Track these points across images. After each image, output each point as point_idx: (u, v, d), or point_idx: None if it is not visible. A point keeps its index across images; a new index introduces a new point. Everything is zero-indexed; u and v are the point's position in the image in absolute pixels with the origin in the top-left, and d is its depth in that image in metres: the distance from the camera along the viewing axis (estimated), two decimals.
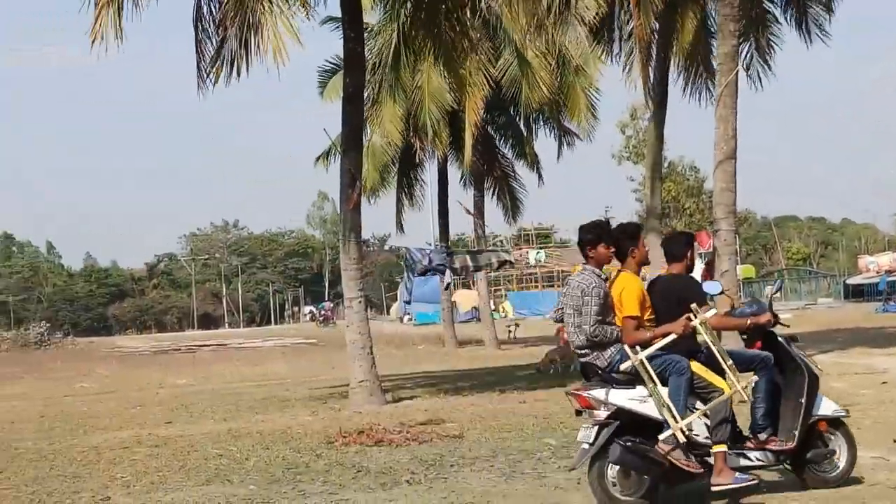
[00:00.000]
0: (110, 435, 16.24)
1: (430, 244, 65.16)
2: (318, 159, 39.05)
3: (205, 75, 17.76)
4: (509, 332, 44.59)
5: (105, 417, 19.40)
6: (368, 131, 32.02)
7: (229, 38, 16.44)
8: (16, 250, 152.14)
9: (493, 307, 50.16)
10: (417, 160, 38.24)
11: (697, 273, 20.48)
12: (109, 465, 12.80)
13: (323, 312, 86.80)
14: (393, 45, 21.66)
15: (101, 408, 21.69)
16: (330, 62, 36.50)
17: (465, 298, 68.90)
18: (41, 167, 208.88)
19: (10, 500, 10.87)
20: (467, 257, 24.96)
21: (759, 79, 25.64)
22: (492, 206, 38.76)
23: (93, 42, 16.17)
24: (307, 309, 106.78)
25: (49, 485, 11.63)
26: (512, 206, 38.31)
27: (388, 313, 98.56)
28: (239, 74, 16.59)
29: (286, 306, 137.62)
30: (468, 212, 38.53)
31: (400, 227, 39.87)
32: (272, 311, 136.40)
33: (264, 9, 15.53)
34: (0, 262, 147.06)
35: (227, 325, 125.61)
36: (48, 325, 68.99)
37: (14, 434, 17.26)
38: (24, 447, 15.23)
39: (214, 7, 17.91)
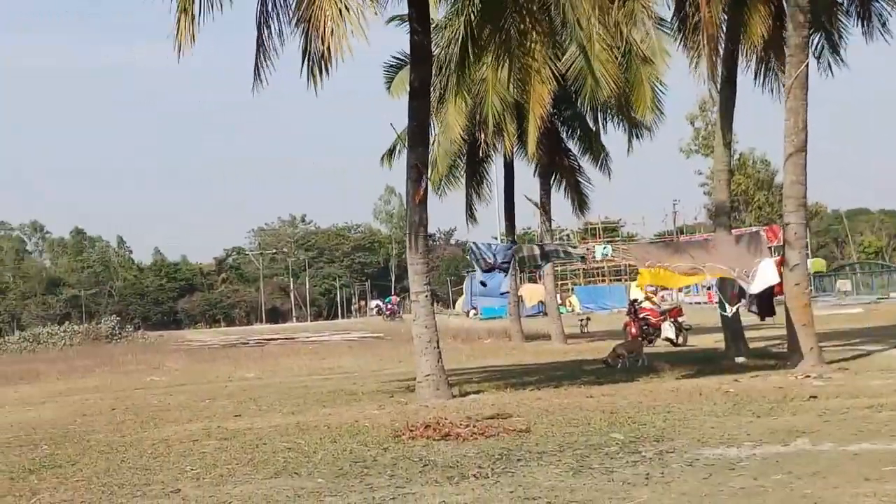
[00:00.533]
0: (180, 428, 16.38)
1: (495, 238, 65.13)
2: (383, 157, 39.23)
3: (262, 72, 18.11)
4: (581, 325, 44.36)
5: (175, 410, 19.57)
6: (435, 126, 32.01)
7: (311, 37, 16.53)
8: (87, 245, 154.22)
9: (559, 301, 49.96)
10: (483, 154, 38.20)
11: (772, 264, 20.24)
12: (179, 458, 12.91)
13: (389, 307, 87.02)
14: (459, 40, 21.60)
15: (171, 401, 21.89)
16: (396, 58, 36.61)
17: (532, 293, 68.67)
18: (114, 163, 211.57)
19: (82, 491, 11.00)
20: (535, 247, 24.86)
21: (830, 69, 25.28)
22: (558, 201, 38.58)
23: (179, 49, 16.52)
24: (374, 303, 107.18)
25: (120, 476, 11.75)
26: (579, 201, 38.06)
27: (453, 307, 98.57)
28: (327, 71, 16.67)
29: (353, 300, 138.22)
30: (535, 205, 38.41)
31: (473, 218, 39.89)
32: (339, 306, 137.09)
33: (331, 6, 15.56)
34: (72, 257, 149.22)
35: (294, 319, 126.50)
36: (119, 318, 69.91)
37: (86, 427, 17.47)
38: (96, 439, 15.43)
39: (280, 4, 18.08)
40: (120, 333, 61.09)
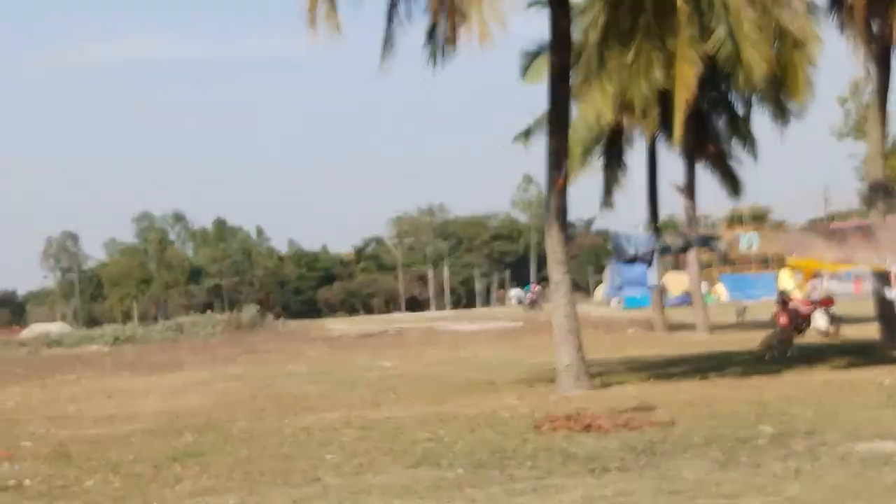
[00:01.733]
0: (319, 416, 16.50)
1: (637, 226, 64.36)
2: (516, 138, 38.85)
3: (387, 54, 18.24)
4: (738, 314, 43.67)
5: (315, 399, 19.77)
6: (573, 112, 31.62)
7: (439, 21, 16.54)
8: (228, 235, 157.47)
9: (705, 290, 49.21)
10: (624, 140, 37.72)
11: None
12: (319, 447, 12.99)
13: (529, 295, 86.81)
14: (599, 24, 21.29)
15: (311, 389, 22.12)
16: (533, 43, 36.32)
17: (676, 282, 67.79)
18: (258, 153, 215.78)
19: (224, 479, 11.14)
20: (678, 239, 24.45)
21: None
22: (702, 186, 37.89)
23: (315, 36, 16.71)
24: (513, 292, 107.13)
25: (261, 465, 11.86)
26: (732, 184, 37.29)
27: (594, 296, 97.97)
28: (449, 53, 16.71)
29: (491, 289, 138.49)
30: (680, 192, 37.82)
31: (609, 205, 39.47)
32: (478, 295, 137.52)
33: None
34: (214, 247, 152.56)
35: (433, 307, 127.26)
36: (260, 307, 71.06)
37: (228, 415, 17.72)
38: (238, 428, 15.64)
39: None
40: (261, 322, 62.01)
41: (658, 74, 23.01)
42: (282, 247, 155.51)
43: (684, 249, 24.81)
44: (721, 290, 73.99)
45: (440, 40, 16.90)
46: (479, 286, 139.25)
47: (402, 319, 70.18)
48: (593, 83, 28.50)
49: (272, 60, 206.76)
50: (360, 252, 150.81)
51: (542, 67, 30.99)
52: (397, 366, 28.88)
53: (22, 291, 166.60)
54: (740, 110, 35.88)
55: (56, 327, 70.79)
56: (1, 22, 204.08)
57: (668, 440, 11.89)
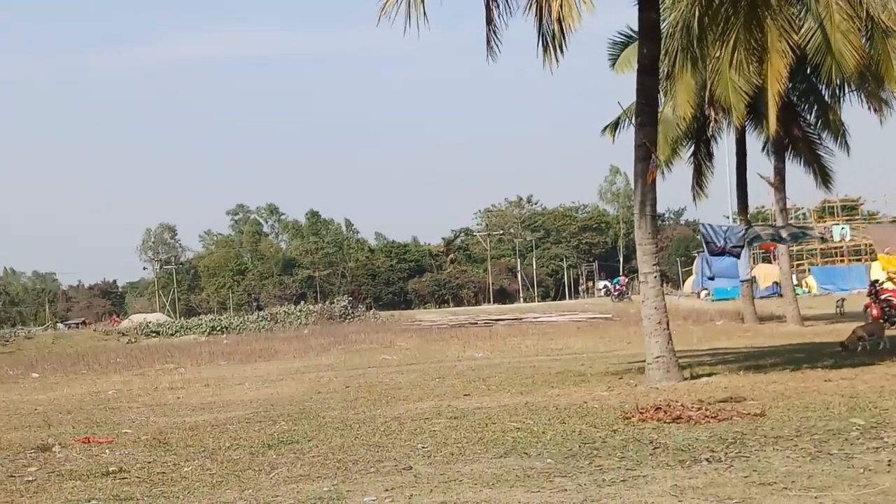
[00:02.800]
0: (411, 406, 16.65)
1: (727, 217, 63.66)
2: (605, 129, 38.69)
3: (494, 46, 18.25)
4: (838, 307, 43.15)
5: (406, 388, 19.92)
6: (662, 103, 31.43)
7: (543, 13, 16.57)
8: (321, 227, 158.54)
9: (795, 282, 48.66)
10: (712, 132, 37.37)
11: None
12: (410, 436, 13.09)
13: (617, 287, 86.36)
14: (691, 16, 21.06)
15: (402, 379, 22.29)
16: (622, 34, 36.12)
17: (766, 273, 66.98)
18: (347, 147, 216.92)
19: (318, 466, 11.27)
20: (768, 229, 24.13)
21: None
22: (793, 177, 37.46)
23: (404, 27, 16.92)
24: (601, 284, 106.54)
25: (354, 453, 12.00)
26: (822, 175, 36.74)
27: (683, 288, 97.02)
28: (561, 49, 16.76)
29: (580, 281, 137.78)
30: (769, 183, 37.38)
31: (699, 195, 39.10)
32: (566, 286, 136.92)
33: None
34: (307, 239, 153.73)
35: (521, 299, 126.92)
36: (351, 298, 71.65)
37: (321, 403, 17.97)
38: (331, 416, 15.83)
39: None
40: (353, 313, 62.53)
41: (752, 68, 22.77)
42: (370, 239, 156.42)
43: (777, 240, 24.49)
44: (811, 283, 72.91)
45: (547, 29, 16.88)
46: (567, 278, 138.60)
47: (491, 310, 70.13)
48: (680, 76, 28.34)
49: (360, 55, 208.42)
50: (449, 244, 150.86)
51: (632, 57, 30.88)
52: (488, 356, 28.98)
53: (121, 282, 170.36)
54: (830, 101, 35.31)
55: (154, 317, 72.30)
56: (101, 20, 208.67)
57: (759, 431, 11.80)
